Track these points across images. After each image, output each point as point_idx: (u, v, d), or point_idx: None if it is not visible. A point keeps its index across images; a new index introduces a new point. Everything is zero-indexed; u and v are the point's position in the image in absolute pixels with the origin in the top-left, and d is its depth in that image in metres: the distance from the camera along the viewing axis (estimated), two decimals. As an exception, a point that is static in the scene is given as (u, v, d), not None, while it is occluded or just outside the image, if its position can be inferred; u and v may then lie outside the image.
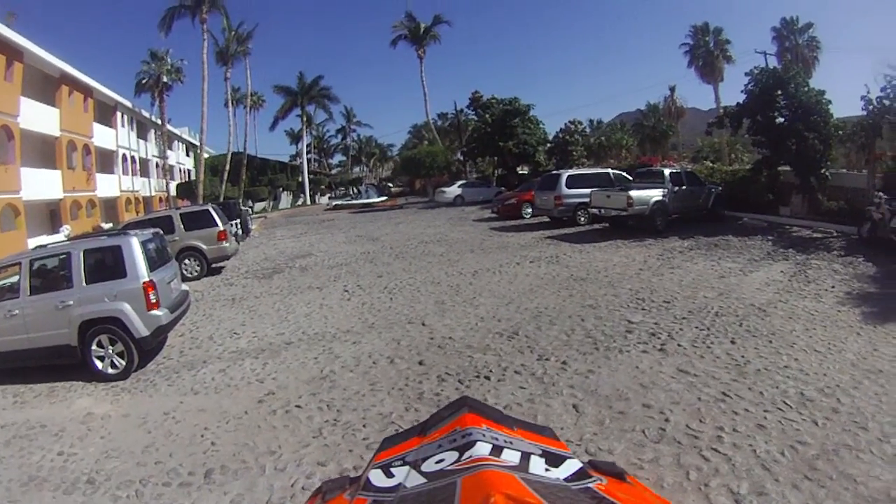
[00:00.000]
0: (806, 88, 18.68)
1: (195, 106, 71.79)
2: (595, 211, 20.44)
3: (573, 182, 22.67)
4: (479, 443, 1.66)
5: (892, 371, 6.52)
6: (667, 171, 20.53)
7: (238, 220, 22.89)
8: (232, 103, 55.51)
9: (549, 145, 42.26)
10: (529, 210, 26.45)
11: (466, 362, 7.84)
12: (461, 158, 52.75)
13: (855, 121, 18.30)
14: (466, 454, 1.61)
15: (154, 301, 8.73)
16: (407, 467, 1.69)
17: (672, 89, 61.99)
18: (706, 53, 51.69)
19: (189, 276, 16.35)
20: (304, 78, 62.19)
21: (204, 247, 17.07)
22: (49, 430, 6.74)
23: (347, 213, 41.32)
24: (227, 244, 17.55)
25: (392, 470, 1.71)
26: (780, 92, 18.94)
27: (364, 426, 6.14)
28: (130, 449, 6.03)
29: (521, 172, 43.20)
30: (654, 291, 10.98)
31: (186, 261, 16.74)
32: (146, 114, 48.43)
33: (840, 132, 18.53)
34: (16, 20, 30.15)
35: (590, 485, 1.53)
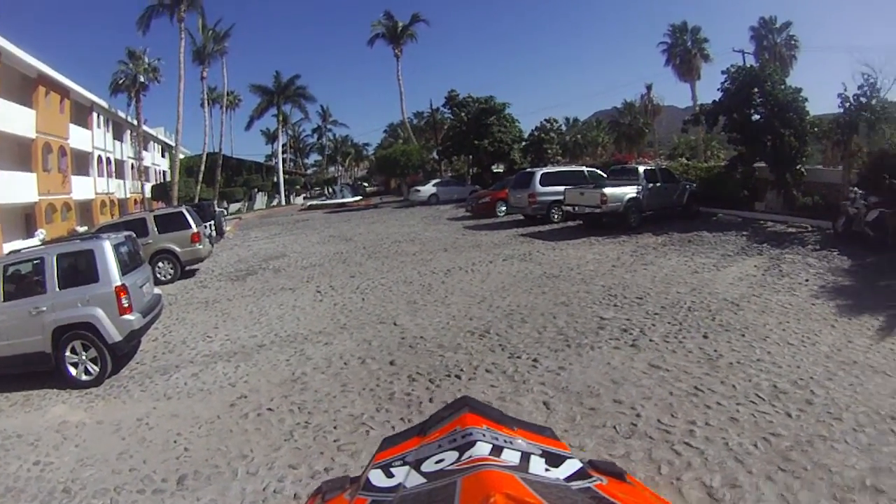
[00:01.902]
0: (783, 86, 18.98)
1: (171, 106, 71.58)
2: (569, 208, 20.48)
3: (547, 180, 22.78)
4: (479, 443, 1.67)
5: (866, 362, 6.59)
6: (641, 169, 20.66)
7: (212, 222, 22.73)
8: (208, 103, 55.16)
9: (524, 143, 42.44)
10: (504, 208, 26.49)
11: (437, 361, 7.83)
12: (436, 157, 52.69)
13: (832, 118, 18.60)
14: (466, 454, 1.61)
15: (126, 305, 8.62)
16: (407, 467, 1.69)
17: (649, 87, 62.57)
18: (684, 52, 52.07)
19: (163, 279, 16.15)
20: (280, 77, 61.80)
21: (178, 249, 16.87)
22: (25, 440, 6.67)
23: (322, 213, 41.16)
24: (201, 246, 17.36)
25: (392, 470, 1.71)
26: (756, 90, 19.17)
27: (335, 428, 6.11)
28: (105, 456, 6.00)
29: (496, 171, 43.31)
30: (626, 288, 11.05)
31: (160, 264, 16.54)
32: (122, 114, 47.60)
33: (816, 129, 18.82)
34: None
35: (590, 485, 1.53)
